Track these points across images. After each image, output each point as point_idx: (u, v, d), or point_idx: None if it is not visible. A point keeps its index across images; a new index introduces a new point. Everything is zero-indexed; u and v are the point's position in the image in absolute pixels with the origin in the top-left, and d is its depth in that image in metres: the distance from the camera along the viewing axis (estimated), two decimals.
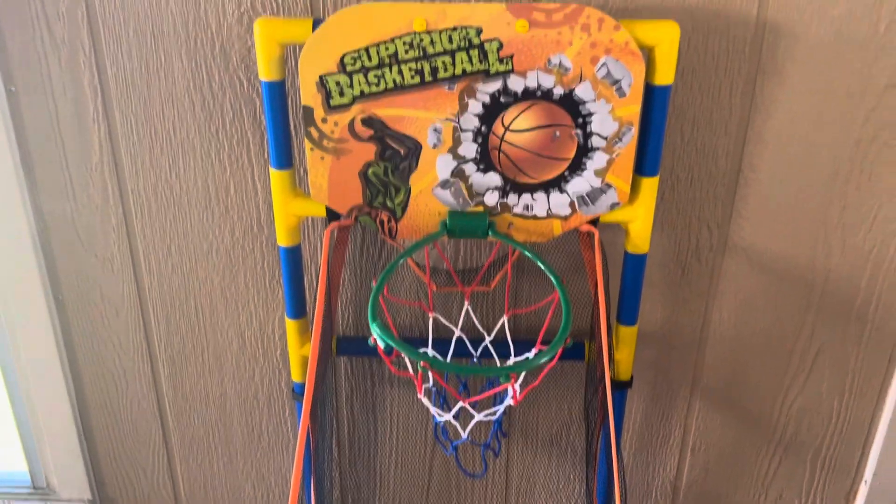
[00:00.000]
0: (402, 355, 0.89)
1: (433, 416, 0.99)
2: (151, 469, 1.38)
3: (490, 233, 1.02)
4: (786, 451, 1.31)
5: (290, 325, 1.13)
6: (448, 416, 0.97)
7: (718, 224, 1.13)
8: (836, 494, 1.35)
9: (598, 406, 1.08)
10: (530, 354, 1.01)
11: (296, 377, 1.17)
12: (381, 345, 0.89)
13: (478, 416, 0.98)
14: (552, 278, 0.97)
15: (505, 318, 1.11)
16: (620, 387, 1.14)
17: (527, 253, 1.00)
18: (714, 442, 1.31)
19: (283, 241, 1.07)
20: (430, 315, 1.12)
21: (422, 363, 0.86)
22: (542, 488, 1.34)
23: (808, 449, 1.31)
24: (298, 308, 1.12)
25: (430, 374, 1.01)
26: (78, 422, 1.33)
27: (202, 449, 1.36)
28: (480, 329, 1.14)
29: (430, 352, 1.09)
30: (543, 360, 0.88)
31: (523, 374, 0.96)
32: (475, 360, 1.11)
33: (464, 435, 0.99)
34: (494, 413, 0.98)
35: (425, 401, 0.95)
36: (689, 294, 1.18)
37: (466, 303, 1.12)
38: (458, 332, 1.11)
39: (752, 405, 1.28)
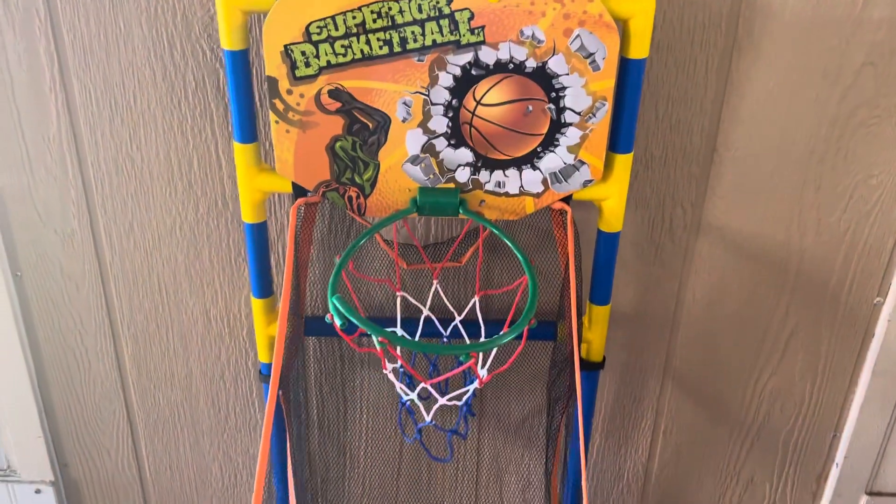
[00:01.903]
0: (365, 333, 0.87)
1: (399, 398, 0.97)
2: (116, 450, 1.36)
3: (461, 210, 1.00)
4: (758, 434, 1.31)
5: (257, 304, 1.10)
6: (412, 396, 0.94)
7: (692, 203, 1.12)
8: (807, 477, 1.35)
9: (566, 387, 1.06)
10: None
11: (263, 358, 1.14)
12: (337, 321, 0.86)
13: (441, 400, 0.95)
14: (520, 258, 0.95)
15: (476, 299, 1.09)
16: (592, 367, 1.13)
17: (496, 231, 0.98)
18: (686, 424, 1.30)
19: (248, 217, 1.04)
20: (399, 294, 1.09)
21: (380, 339, 0.83)
22: (513, 469, 1.33)
23: (779, 432, 1.31)
24: (265, 287, 1.10)
25: (396, 357, 0.99)
26: (39, 401, 1.30)
27: (168, 429, 1.33)
28: (451, 309, 1.12)
29: (399, 331, 1.07)
30: (505, 339, 0.85)
31: (492, 354, 0.94)
32: (445, 339, 1.09)
33: (427, 419, 0.96)
34: (460, 398, 0.96)
35: (391, 376, 0.93)
36: (663, 274, 1.17)
37: (435, 282, 1.10)
38: (426, 312, 1.09)
39: (724, 387, 1.27)
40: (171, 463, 1.37)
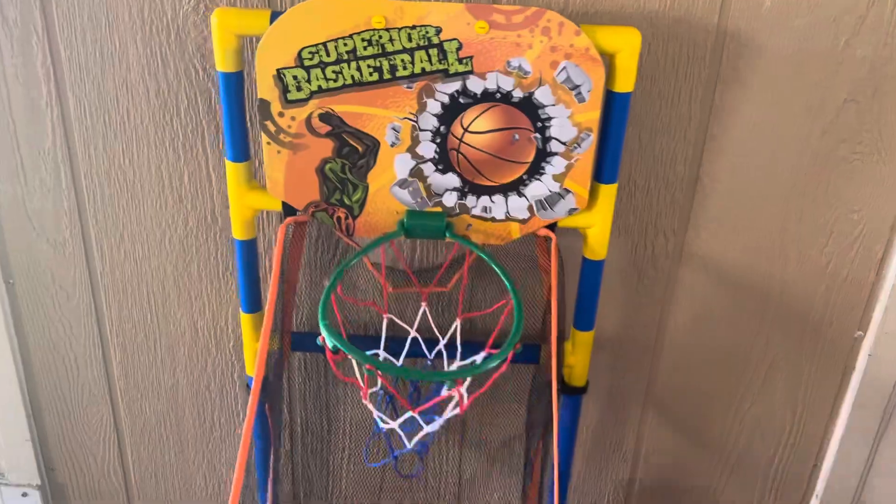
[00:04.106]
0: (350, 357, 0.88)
1: (375, 422, 0.98)
2: (102, 456, 1.37)
3: (448, 234, 1.01)
4: (738, 462, 1.32)
5: (245, 318, 1.12)
6: (394, 425, 0.95)
7: (675, 232, 1.13)
8: None
9: (547, 410, 1.07)
10: (478, 358, 1.00)
11: (249, 371, 1.16)
12: (329, 345, 0.88)
13: (427, 428, 0.96)
14: (506, 283, 0.96)
15: (458, 322, 1.10)
16: (574, 392, 1.14)
17: (483, 256, 1.00)
18: (667, 451, 1.32)
19: (238, 233, 1.05)
20: (385, 316, 1.11)
21: (367, 366, 0.85)
22: (494, 487, 1.34)
23: (760, 461, 1.32)
24: (253, 302, 1.11)
25: (378, 379, 1.00)
26: (28, 406, 1.32)
27: (153, 438, 1.35)
28: (436, 331, 1.13)
29: (382, 353, 1.08)
30: (491, 365, 0.87)
31: (469, 378, 0.96)
32: (429, 361, 1.11)
33: (408, 445, 0.97)
34: (441, 422, 0.97)
35: (370, 406, 0.94)
36: (645, 301, 1.19)
37: (423, 304, 1.11)
38: (413, 333, 1.10)
39: (705, 415, 1.28)
40: (156, 471, 1.38)
